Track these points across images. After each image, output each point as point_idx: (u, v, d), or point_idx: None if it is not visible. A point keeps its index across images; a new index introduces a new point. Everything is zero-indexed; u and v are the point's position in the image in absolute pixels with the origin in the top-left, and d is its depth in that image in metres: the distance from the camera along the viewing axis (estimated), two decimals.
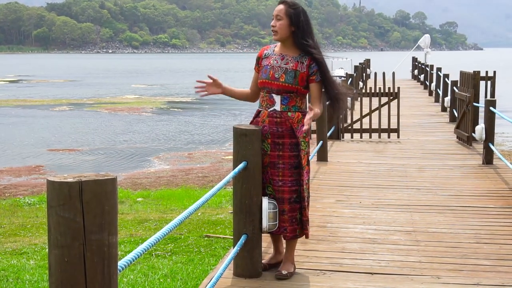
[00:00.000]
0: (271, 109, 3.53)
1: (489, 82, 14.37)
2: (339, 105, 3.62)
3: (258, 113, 3.61)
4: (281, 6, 3.48)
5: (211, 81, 3.57)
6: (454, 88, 11.55)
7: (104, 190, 1.65)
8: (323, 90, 3.58)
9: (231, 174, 3.33)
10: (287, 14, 3.45)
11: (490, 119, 7.50)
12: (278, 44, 3.60)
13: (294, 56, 3.52)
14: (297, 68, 3.49)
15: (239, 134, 3.48)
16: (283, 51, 3.55)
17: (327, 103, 3.71)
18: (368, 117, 9.97)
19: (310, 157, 6.94)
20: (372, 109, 9.89)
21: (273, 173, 3.55)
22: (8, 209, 9.03)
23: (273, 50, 3.60)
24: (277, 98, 3.51)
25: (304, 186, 3.55)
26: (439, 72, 16.93)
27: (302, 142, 3.54)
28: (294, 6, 3.48)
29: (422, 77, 23.87)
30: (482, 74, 13.44)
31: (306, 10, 3.52)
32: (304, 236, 3.64)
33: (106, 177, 1.66)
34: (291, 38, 3.50)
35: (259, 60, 3.64)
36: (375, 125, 9.95)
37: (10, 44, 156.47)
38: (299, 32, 3.46)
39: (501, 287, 3.53)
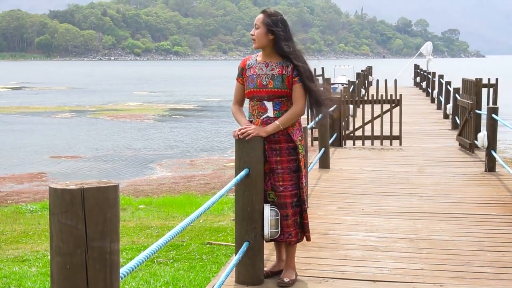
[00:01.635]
0: (264, 116, 3.56)
1: (491, 90, 14.42)
2: (321, 110, 3.64)
3: (250, 123, 3.60)
4: (260, 15, 3.56)
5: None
6: (456, 95, 11.59)
7: (106, 197, 1.65)
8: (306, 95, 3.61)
9: (233, 181, 3.34)
10: (264, 23, 3.51)
11: (492, 126, 7.51)
12: (260, 53, 3.64)
13: (278, 61, 3.56)
14: (283, 72, 3.53)
15: (241, 141, 3.50)
16: (266, 58, 3.59)
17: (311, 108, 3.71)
18: (370, 124, 10.00)
19: (312, 164, 7.00)
20: (374, 116, 9.92)
21: (274, 179, 3.57)
22: (10, 216, 9.04)
23: (256, 60, 3.63)
24: (269, 105, 3.54)
25: (303, 189, 3.59)
26: (441, 79, 16.99)
27: (300, 146, 3.58)
28: (272, 15, 3.53)
29: (424, 84, 23.98)
30: (484, 81, 13.49)
31: (285, 19, 3.57)
32: (305, 239, 3.66)
33: (108, 184, 1.66)
34: (271, 46, 3.54)
35: (242, 71, 3.65)
36: (377, 132, 9.97)
37: (13, 51, 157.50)
38: (277, 40, 3.51)
39: None
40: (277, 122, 3.50)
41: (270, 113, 3.54)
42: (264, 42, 3.52)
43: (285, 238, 3.58)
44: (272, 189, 3.58)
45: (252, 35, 3.55)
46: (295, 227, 3.58)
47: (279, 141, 3.54)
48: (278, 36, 3.49)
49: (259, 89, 3.54)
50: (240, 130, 3.50)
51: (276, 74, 3.52)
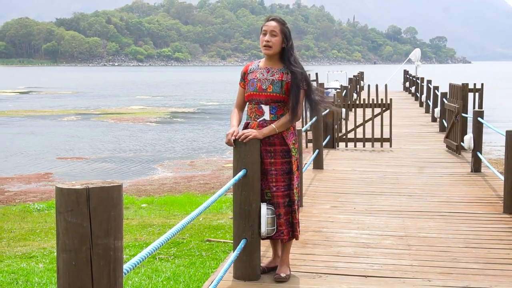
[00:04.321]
0: (261, 119, 3.67)
1: (477, 94, 14.65)
2: (316, 110, 3.78)
3: (247, 125, 3.75)
4: (275, 23, 3.62)
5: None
6: (444, 99, 11.80)
7: (110, 197, 1.71)
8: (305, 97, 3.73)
9: (231, 181, 3.44)
10: (282, 32, 3.61)
11: (478, 129, 7.63)
12: (262, 59, 3.76)
13: (279, 68, 3.67)
14: (282, 78, 3.64)
15: (239, 143, 3.59)
16: (268, 64, 3.70)
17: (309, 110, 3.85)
18: (362, 127, 10.12)
19: (307, 165, 7.17)
20: (366, 119, 10.05)
21: (267, 180, 3.69)
22: (18, 214, 9.15)
23: (258, 65, 3.75)
24: (265, 109, 3.66)
25: (294, 190, 3.70)
26: (429, 84, 17.17)
27: (293, 149, 3.70)
28: (285, 24, 3.67)
29: (413, 89, 24.27)
30: (470, 86, 13.71)
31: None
32: (294, 238, 3.77)
33: (112, 184, 1.72)
34: (279, 53, 3.67)
35: (244, 75, 3.77)
36: (368, 135, 10.12)
37: (21, 57, 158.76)
38: (287, 49, 3.64)
39: None
40: (273, 125, 3.61)
41: (267, 116, 3.64)
42: (278, 50, 3.63)
43: (278, 235, 3.69)
44: (268, 188, 3.69)
45: (267, 41, 3.61)
46: (287, 225, 3.69)
47: (273, 144, 3.65)
48: (289, 45, 3.62)
49: (258, 93, 3.64)
50: (239, 133, 3.60)
51: (276, 80, 3.63)
